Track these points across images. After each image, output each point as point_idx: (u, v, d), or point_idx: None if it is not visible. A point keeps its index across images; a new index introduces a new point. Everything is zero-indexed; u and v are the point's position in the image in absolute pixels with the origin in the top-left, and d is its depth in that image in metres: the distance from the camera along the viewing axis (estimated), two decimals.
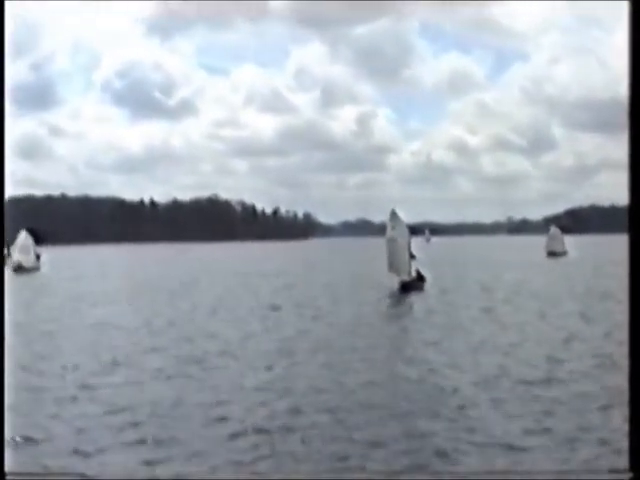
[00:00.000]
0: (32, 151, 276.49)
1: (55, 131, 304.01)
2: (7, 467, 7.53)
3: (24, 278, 53.88)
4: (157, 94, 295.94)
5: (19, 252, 61.48)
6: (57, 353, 20.52)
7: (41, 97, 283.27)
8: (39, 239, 66.14)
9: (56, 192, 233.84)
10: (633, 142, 6.24)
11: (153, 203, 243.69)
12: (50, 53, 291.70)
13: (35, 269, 61.23)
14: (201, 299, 36.19)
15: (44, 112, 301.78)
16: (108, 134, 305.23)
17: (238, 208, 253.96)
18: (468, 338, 21.94)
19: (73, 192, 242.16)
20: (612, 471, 9.42)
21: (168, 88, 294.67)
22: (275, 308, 30.95)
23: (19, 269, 59.23)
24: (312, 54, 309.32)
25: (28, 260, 61.07)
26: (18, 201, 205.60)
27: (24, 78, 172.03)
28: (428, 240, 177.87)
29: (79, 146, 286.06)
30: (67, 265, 76.34)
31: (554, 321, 25.61)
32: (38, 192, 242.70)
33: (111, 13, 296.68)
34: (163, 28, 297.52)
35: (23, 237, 61.46)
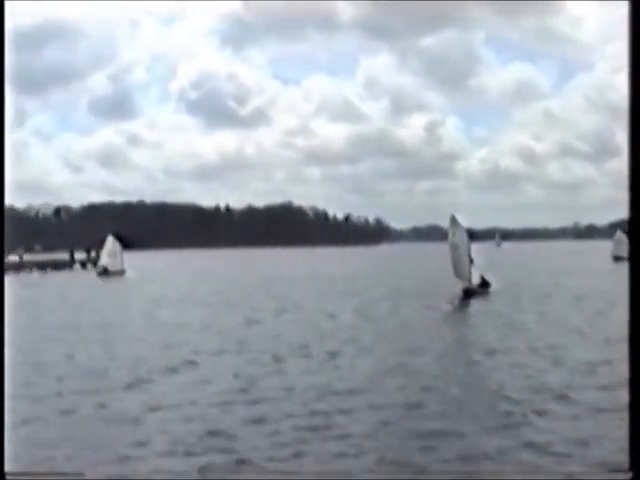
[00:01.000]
0: (111, 160, 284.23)
1: (133, 140, 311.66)
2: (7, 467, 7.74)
3: (115, 281, 57.01)
4: (231, 104, 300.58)
5: (107, 256, 64.52)
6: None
7: (119, 107, 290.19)
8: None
9: (135, 199, 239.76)
10: (633, 142, 6.33)
11: (228, 209, 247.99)
12: (128, 65, 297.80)
13: (121, 272, 63.87)
14: (283, 301, 38.05)
15: (122, 122, 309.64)
16: (184, 143, 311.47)
17: (311, 214, 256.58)
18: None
19: (151, 199, 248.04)
20: (612, 470, 9.57)
21: (242, 98, 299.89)
22: (337, 313, 31.85)
23: (104, 272, 62.16)
24: (381, 64, 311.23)
25: (115, 264, 63.83)
26: (98, 208, 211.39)
27: (103, 89, 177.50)
28: (499, 245, 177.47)
29: (156, 154, 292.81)
30: (150, 268, 79.17)
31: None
32: (118, 199, 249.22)
33: (186, 26, 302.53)
34: (236, 40, 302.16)
35: (110, 242, 64.40)
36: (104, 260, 64.37)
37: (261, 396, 15.08)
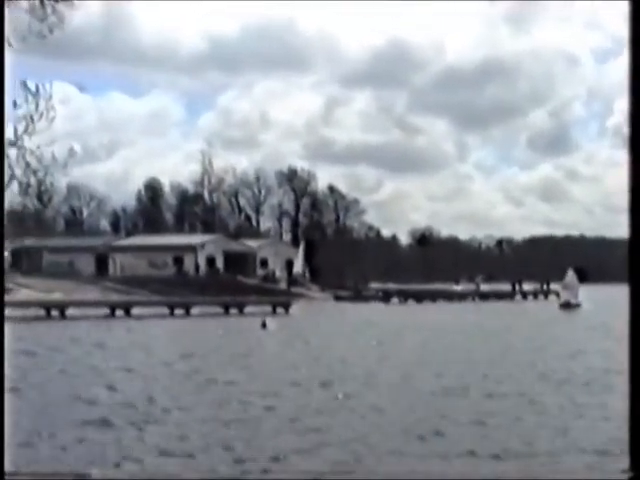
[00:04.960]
0: (551, 194, 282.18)
1: (571, 175, 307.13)
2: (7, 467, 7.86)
3: (574, 313, 56.89)
4: None
5: (564, 289, 65.09)
6: None
7: (558, 143, 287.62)
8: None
9: (575, 232, 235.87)
10: (633, 143, 5.82)
11: None
12: (566, 101, 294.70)
13: (577, 305, 63.54)
14: None
15: (561, 157, 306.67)
16: (622, 177, 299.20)
17: None
18: None
19: (590, 232, 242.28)
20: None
21: None
22: None
23: (567, 306, 62.42)
24: None
25: (572, 296, 63.89)
26: (539, 240, 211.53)
27: (542, 125, 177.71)
28: None
29: (594, 189, 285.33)
30: (600, 301, 77.09)
31: None
32: (558, 232, 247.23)
33: (623, 61, 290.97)
34: None
35: (570, 275, 64.94)
36: (563, 294, 64.83)
37: None
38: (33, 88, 8.76)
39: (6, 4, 7.89)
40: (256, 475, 9.96)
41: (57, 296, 53.51)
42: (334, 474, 9.98)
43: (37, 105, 8.75)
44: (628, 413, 5.67)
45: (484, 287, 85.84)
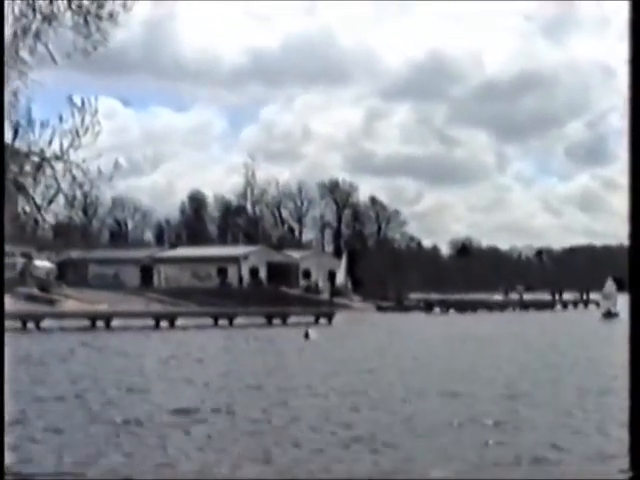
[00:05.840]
0: (589, 204, 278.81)
1: (609, 185, 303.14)
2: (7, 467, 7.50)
3: (614, 322, 55.90)
4: None
5: (604, 299, 64.40)
6: None
7: (595, 153, 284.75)
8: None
9: (613, 241, 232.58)
10: (633, 144, 5.75)
11: None
12: (603, 112, 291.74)
13: (616, 315, 62.77)
14: None
15: (598, 167, 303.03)
16: None
17: None
18: None
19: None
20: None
21: None
22: None
23: (608, 315, 61.63)
24: None
25: (612, 305, 63.28)
26: (578, 250, 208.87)
27: (579, 136, 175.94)
28: None
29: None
30: None
31: None
32: (597, 242, 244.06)
33: None
34: None
35: (609, 285, 64.27)
36: (603, 303, 64.03)
37: None
38: (79, 103, 8.78)
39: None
40: None
41: (102, 307, 53.91)
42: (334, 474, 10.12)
43: (83, 120, 8.77)
44: (628, 413, 5.69)
45: (524, 297, 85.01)
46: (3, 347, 6.78)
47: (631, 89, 5.67)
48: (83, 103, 8.76)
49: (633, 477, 5.66)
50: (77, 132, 8.73)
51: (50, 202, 9.36)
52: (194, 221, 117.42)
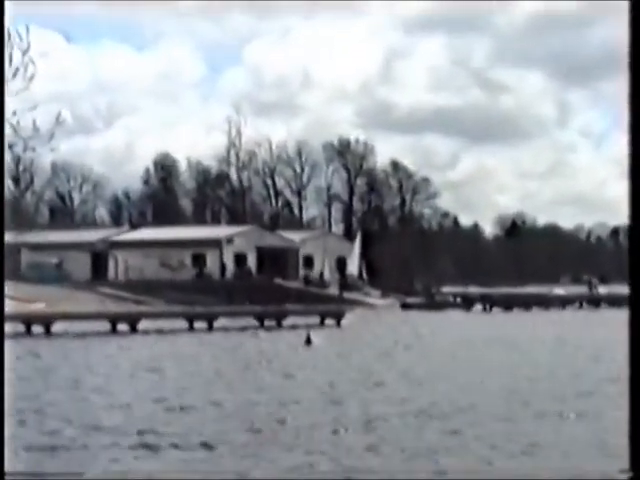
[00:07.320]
0: None
1: None
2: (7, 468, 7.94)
3: None
4: None
5: None
6: None
7: None
8: None
9: None
10: (633, 145, 6.50)
11: None
12: None
13: None
14: None
15: None
16: None
17: None
18: None
19: None
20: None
21: None
22: None
23: None
24: None
25: None
26: None
27: None
28: None
29: None
30: None
31: None
32: None
33: None
34: None
35: None
36: None
37: None
38: (5, 35, 8.44)
39: None
40: None
41: (39, 307, 53.81)
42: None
43: (11, 58, 8.62)
44: (628, 414, 6.57)
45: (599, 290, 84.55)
46: (3, 351, 7.24)
47: (631, 89, 6.51)
48: (10, 36, 8.58)
49: (633, 477, 6.65)
50: (2, 74, 8.35)
51: None
52: (162, 194, 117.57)
